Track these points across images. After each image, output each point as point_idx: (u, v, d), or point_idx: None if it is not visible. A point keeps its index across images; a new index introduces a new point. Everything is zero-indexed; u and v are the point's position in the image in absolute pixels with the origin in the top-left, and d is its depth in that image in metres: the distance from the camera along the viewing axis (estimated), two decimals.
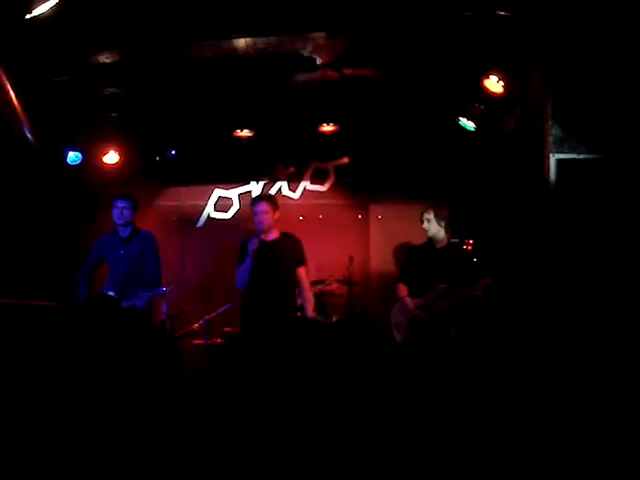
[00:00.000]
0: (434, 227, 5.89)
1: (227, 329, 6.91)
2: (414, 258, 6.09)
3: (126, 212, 5.96)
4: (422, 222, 5.96)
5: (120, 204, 5.94)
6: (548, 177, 5.01)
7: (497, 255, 5.87)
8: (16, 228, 6.62)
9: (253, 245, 5.76)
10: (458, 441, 4.08)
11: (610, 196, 4.85)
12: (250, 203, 6.07)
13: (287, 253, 5.93)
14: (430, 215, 5.90)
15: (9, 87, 5.47)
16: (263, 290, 5.85)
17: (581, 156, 4.96)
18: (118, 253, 5.97)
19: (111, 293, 5.82)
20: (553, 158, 5.00)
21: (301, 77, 6.28)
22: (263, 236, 5.86)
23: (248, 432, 4.23)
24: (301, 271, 5.99)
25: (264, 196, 6.52)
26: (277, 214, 5.94)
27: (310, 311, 6.01)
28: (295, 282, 5.97)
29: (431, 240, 5.95)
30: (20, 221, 6.68)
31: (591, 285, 4.80)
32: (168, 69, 6.12)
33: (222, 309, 6.82)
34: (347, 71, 6.12)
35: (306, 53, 5.79)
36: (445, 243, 5.90)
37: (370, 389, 4.87)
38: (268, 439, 4.15)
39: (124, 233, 6.01)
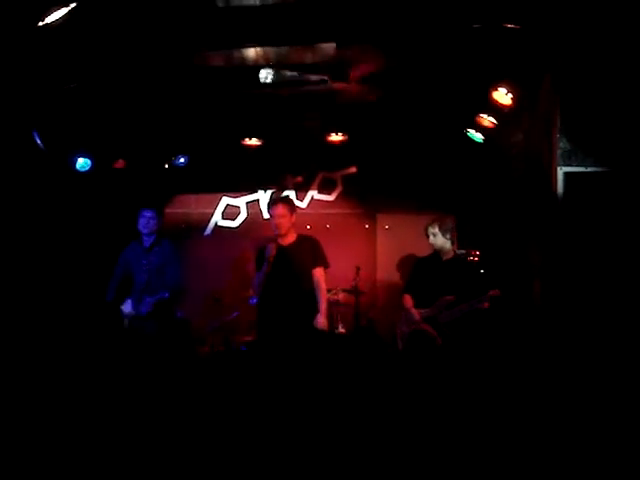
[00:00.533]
0: (440, 240, 5.87)
1: (232, 337, 6.93)
2: (420, 270, 6.07)
3: (152, 222, 5.99)
4: (427, 236, 5.93)
5: (147, 214, 5.97)
6: (556, 190, 5.00)
7: (504, 267, 5.86)
8: (24, 234, 6.65)
9: (270, 251, 5.58)
10: (456, 449, 4.09)
11: (617, 209, 4.85)
12: (267, 206, 5.95)
13: (304, 256, 5.74)
14: (435, 229, 5.87)
15: None
16: (280, 296, 5.67)
17: (589, 169, 4.96)
18: (141, 262, 6.00)
19: (129, 301, 5.97)
20: (561, 171, 4.99)
21: (310, 87, 6.30)
22: (280, 240, 5.71)
23: (256, 435, 4.26)
24: (316, 272, 5.77)
25: (281, 199, 6.18)
26: (294, 217, 5.79)
27: (321, 319, 5.65)
28: (311, 283, 5.74)
29: (437, 252, 5.94)
30: (29, 227, 6.71)
31: (599, 297, 4.79)
32: (178, 78, 6.16)
33: (228, 318, 6.82)
34: (354, 86, 6.16)
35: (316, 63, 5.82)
36: (452, 255, 5.89)
37: (373, 397, 4.88)
38: (275, 440, 4.17)
39: (147, 243, 6.03)
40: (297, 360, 5.23)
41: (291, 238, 5.80)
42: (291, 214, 5.75)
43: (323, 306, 5.70)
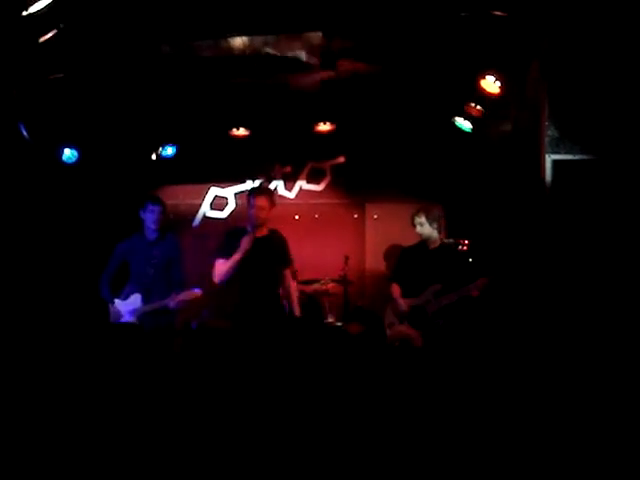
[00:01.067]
0: (427, 229, 5.86)
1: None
2: (407, 259, 6.07)
3: (161, 216, 5.93)
4: (414, 226, 5.92)
5: (156, 208, 5.89)
6: (544, 178, 5.02)
7: (492, 255, 5.87)
8: (11, 227, 6.60)
9: (247, 242, 5.52)
10: (447, 443, 4.09)
11: (605, 197, 4.87)
12: (248, 194, 5.81)
13: (275, 251, 5.77)
14: (422, 218, 5.85)
15: None
16: (253, 288, 5.65)
17: (576, 157, 4.98)
18: (144, 257, 5.91)
19: (138, 296, 5.86)
20: (549, 159, 5.01)
21: (297, 76, 6.28)
22: (256, 231, 5.64)
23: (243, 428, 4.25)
24: (287, 273, 5.91)
25: (265, 190, 6.15)
26: (272, 210, 5.76)
27: (297, 312, 5.90)
28: (279, 282, 5.83)
29: (424, 241, 5.94)
30: (15, 220, 6.66)
31: (587, 285, 4.82)
32: (165, 68, 6.12)
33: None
34: (342, 67, 6.12)
35: (303, 52, 5.79)
36: (438, 243, 5.89)
37: (362, 388, 4.89)
38: (260, 434, 4.17)
39: (152, 237, 5.96)
40: (280, 350, 5.22)
41: (263, 231, 5.75)
42: (270, 207, 5.72)
43: (295, 300, 5.93)
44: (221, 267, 5.64)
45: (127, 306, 5.87)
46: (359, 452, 4.00)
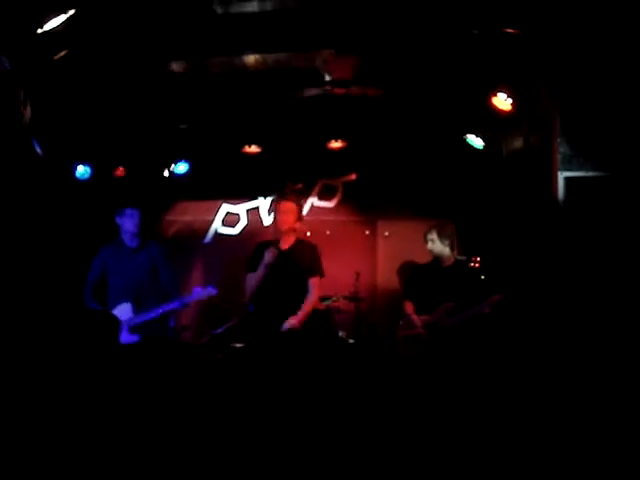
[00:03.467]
0: (438, 247, 5.85)
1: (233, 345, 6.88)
2: (419, 277, 6.05)
3: (139, 221, 5.80)
4: (426, 242, 5.91)
5: (135, 212, 5.78)
6: (556, 195, 5.00)
7: (505, 273, 5.84)
8: (25, 242, 6.63)
9: (270, 257, 5.27)
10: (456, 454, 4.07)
11: (618, 214, 4.84)
12: (274, 200, 5.65)
13: (301, 263, 5.44)
14: (433, 235, 5.84)
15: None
16: (272, 303, 5.39)
17: (589, 174, 4.95)
18: (127, 264, 5.79)
19: (127, 305, 5.66)
20: (561, 176, 4.99)
21: (309, 93, 6.30)
22: (281, 243, 5.41)
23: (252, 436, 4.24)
24: (312, 282, 5.48)
25: (291, 195, 5.80)
26: (299, 220, 5.52)
27: (292, 320, 5.32)
28: (304, 295, 5.46)
29: (437, 258, 5.92)
30: (29, 236, 6.69)
31: (600, 302, 4.78)
32: (177, 85, 6.17)
33: (225, 326, 6.79)
34: (354, 90, 6.15)
35: (314, 69, 5.83)
36: (452, 261, 5.87)
37: (373, 401, 4.86)
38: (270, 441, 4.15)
39: (133, 243, 5.86)
40: (290, 365, 5.15)
41: (290, 240, 5.52)
42: (297, 214, 5.49)
43: (303, 310, 5.38)
44: (249, 282, 5.47)
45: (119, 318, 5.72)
46: (365, 456, 3.99)
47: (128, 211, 5.79)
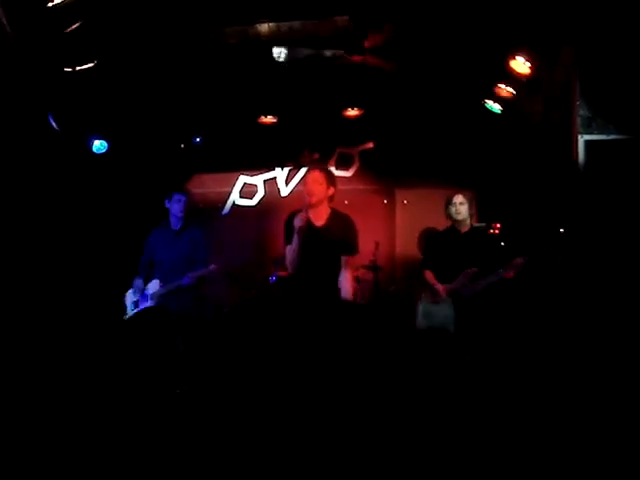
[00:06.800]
0: (465, 211, 5.77)
1: None
2: (438, 244, 5.98)
3: (186, 206, 6.05)
4: (451, 206, 5.79)
5: (183, 198, 6.03)
6: (577, 159, 4.93)
7: (525, 238, 5.80)
8: (43, 218, 6.68)
9: (299, 223, 4.85)
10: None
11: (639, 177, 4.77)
12: (300, 173, 5.44)
13: (336, 239, 5.01)
14: (463, 199, 5.75)
15: None
16: (307, 279, 5.02)
17: (610, 137, 4.88)
18: (169, 246, 6.04)
19: (156, 281, 5.98)
20: (582, 139, 4.92)
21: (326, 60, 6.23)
22: (312, 214, 4.97)
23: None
24: (346, 260, 5.05)
25: (319, 165, 5.48)
26: (332, 190, 5.03)
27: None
28: (337, 273, 5.03)
29: (454, 225, 5.86)
30: (47, 211, 6.74)
31: (621, 266, 4.73)
32: (193, 56, 6.13)
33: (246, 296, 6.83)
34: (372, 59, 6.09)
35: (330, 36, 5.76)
36: (469, 227, 5.81)
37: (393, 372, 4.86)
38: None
39: (178, 225, 6.09)
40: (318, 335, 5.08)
41: (323, 214, 5.07)
42: (328, 185, 5.01)
43: (346, 294, 5.06)
44: (288, 255, 5.11)
45: (147, 292, 6.01)
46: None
47: (176, 196, 6.02)
